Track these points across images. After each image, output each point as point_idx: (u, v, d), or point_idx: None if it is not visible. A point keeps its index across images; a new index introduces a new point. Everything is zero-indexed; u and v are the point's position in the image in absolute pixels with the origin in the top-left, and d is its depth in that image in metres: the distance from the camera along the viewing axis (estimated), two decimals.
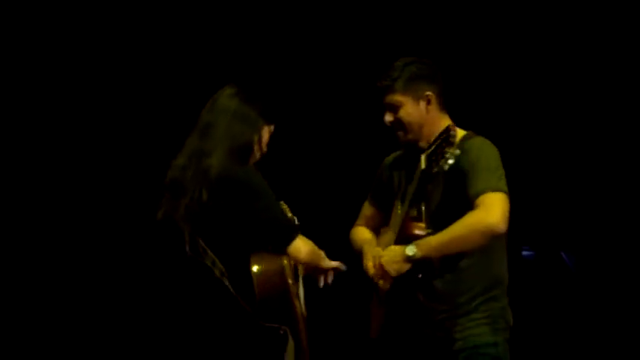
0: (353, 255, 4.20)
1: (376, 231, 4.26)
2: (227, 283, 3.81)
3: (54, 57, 5.85)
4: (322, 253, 3.97)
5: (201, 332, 3.87)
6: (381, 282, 3.98)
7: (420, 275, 3.93)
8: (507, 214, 3.85)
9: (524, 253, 5.44)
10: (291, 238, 3.84)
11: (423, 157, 3.85)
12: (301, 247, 3.85)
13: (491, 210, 3.83)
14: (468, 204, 3.87)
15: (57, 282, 5.84)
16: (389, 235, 4.10)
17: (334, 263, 4.00)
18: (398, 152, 4.24)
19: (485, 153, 3.93)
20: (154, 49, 5.91)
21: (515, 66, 5.89)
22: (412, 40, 5.69)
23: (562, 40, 5.86)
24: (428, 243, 3.88)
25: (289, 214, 3.98)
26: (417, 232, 3.93)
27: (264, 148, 3.96)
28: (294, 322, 3.85)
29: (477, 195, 3.85)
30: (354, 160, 5.83)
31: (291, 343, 3.87)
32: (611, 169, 5.85)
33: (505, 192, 3.88)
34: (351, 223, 4.36)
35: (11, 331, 5.78)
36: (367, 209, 4.33)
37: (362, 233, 4.29)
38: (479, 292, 3.97)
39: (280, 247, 3.83)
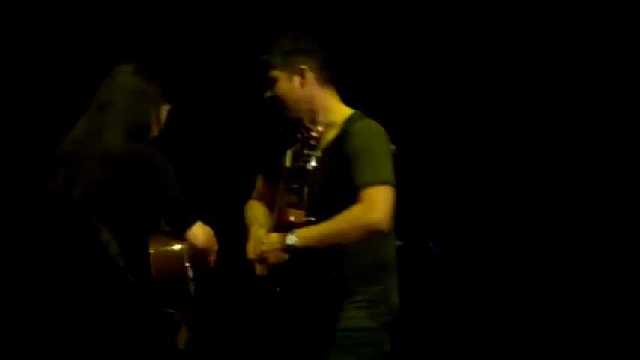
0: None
1: (270, 205, 4.12)
2: (121, 262, 3.78)
3: (53, 57, 5.84)
4: (215, 239, 3.93)
5: (91, 312, 3.80)
6: (258, 267, 3.92)
7: (278, 289, 3.89)
8: (391, 209, 3.79)
9: (397, 242, 5.61)
10: (190, 223, 3.82)
11: (288, 154, 3.82)
12: (199, 233, 3.83)
13: (375, 206, 3.75)
14: (351, 191, 3.78)
15: None
16: (273, 217, 4.01)
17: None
18: (284, 128, 4.06)
19: (373, 139, 3.82)
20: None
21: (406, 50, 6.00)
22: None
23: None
24: (308, 233, 3.79)
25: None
26: (294, 219, 3.84)
27: (162, 127, 3.92)
28: (188, 308, 3.84)
29: (362, 187, 3.76)
30: (248, 134, 5.78)
31: (183, 330, 3.87)
32: (480, 164, 6.06)
33: (391, 184, 3.79)
34: (247, 199, 4.25)
35: None
36: (258, 182, 4.20)
37: (254, 209, 4.14)
38: (357, 274, 3.87)
39: (179, 231, 3.81)
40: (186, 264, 3.82)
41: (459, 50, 6.04)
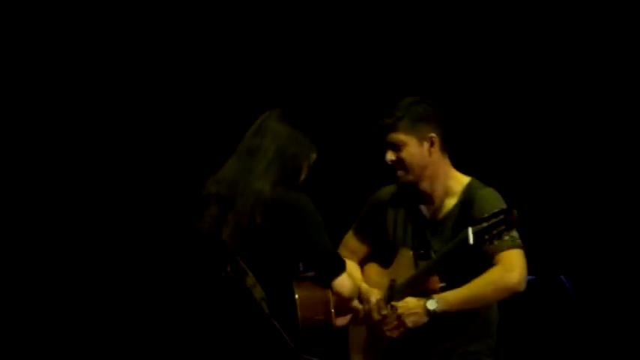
0: None
1: (361, 264, 4.23)
2: (266, 308, 3.76)
3: (53, 57, 5.92)
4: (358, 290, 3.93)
5: (234, 356, 3.81)
6: (389, 332, 3.96)
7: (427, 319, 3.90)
8: (526, 271, 3.90)
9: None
10: (339, 272, 3.80)
11: (470, 232, 3.77)
12: (346, 282, 3.81)
13: (513, 268, 3.86)
14: (481, 262, 3.88)
15: (85, 294, 5.92)
16: (385, 279, 4.10)
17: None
18: (391, 188, 4.18)
19: (501, 206, 3.87)
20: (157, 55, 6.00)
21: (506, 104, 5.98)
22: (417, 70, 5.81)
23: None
24: (449, 298, 3.89)
25: None
26: (436, 287, 3.92)
27: (307, 173, 3.93)
28: (333, 356, 3.83)
29: (499, 250, 3.86)
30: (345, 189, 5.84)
31: None
32: (608, 192, 5.94)
33: (523, 248, 3.91)
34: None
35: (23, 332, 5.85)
36: (352, 241, 4.25)
37: (350, 267, 4.12)
38: (471, 331, 4.01)
39: (326, 280, 3.79)
40: (332, 310, 3.81)
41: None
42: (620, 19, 5.78)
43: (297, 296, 3.76)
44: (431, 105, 4.07)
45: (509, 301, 4.33)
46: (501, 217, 3.75)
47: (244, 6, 6.02)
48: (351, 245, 4.26)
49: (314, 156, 3.92)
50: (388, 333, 3.96)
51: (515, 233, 3.81)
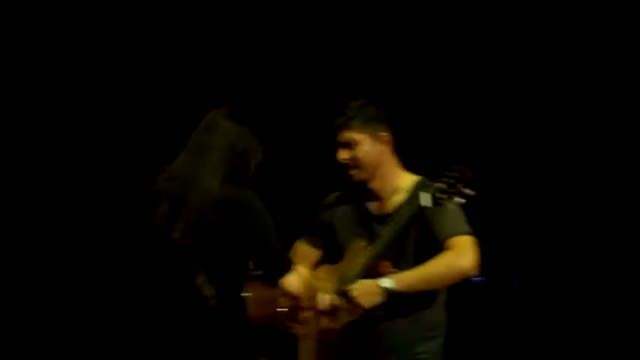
0: None
1: (310, 270, 4.22)
2: (215, 305, 3.74)
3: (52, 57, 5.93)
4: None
5: (182, 352, 3.78)
6: (342, 317, 3.98)
7: (383, 313, 3.94)
8: (479, 257, 3.93)
9: (475, 279, 5.58)
10: (286, 271, 3.80)
11: (428, 196, 3.81)
12: (293, 281, 3.81)
13: (466, 253, 3.91)
14: (431, 248, 3.92)
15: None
16: (335, 273, 4.11)
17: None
18: (337, 193, 4.24)
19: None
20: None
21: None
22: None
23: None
24: (403, 277, 3.91)
25: None
26: (388, 271, 3.92)
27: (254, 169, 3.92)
28: (284, 355, 3.86)
29: (449, 237, 3.91)
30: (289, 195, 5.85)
31: None
32: (556, 194, 6.02)
33: (474, 236, 3.95)
34: None
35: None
36: (304, 248, 4.28)
37: (299, 271, 4.07)
38: (421, 333, 4.05)
39: (274, 278, 3.79)
40: (280, 309, 3.85)
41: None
42: (618, 19, 5.83)
43: (246, 294, 3.77)
44: (380, 107, 4.13)
45: (459, 302, 4.42)
46: (456, 174, 3.78)
47: (189, 3, 6.03)
48: (303, 251, 4.29)
49: (261, 152, 3.93)
50: (340, 320, 3.98)
51: (472, 192, 3.79)
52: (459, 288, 4.20)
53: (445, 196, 3.80)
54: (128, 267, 5.64)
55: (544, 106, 6.02)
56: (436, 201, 3.81)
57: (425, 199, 3.82)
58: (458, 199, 3.80)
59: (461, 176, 3.78)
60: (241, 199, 3.78)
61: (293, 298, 3.86)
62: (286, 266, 3.82)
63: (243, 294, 3.77)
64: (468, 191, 3.77)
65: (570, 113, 6.00)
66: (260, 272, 3.86)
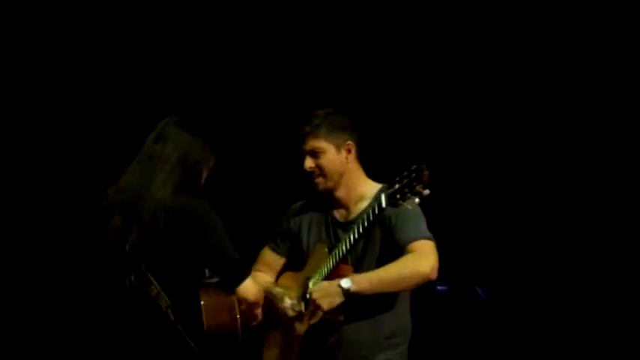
0: None
1: (275, 278, 4.29)
2: (171, 315, 3.74)
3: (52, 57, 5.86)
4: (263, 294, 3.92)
5: None
6: (304, 322, 4.02)
7: (342, 318, 3.96)
8: (438, 261, 3.94)
9: (439, 287, 5.55)
10: (243, 278, 3.78)
11: (383, 196, 3.82)
12: (250, 287, 3.80)
13: (426, 257, 3.93)
14: (392, 252, 3.94)
15: None
16: (299, 280, 4.15)
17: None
18: (302, 201, 4.29)
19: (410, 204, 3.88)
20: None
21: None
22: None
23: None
24: (362, 278, 3.92)
25: None
26: (349, 274, 3.94)
27: (208, 178, 3.91)
28: None
29: (410, 241, 3.93)
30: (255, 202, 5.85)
31: None
32: (523, 203, 5.98)
33: (434, 241, 3.98)
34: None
35: None
36: (269, 255, 4.32)
37: (263, 278, 4.22)
38: (382, 340, 4.06)
39: (230, 286, 3.77)
40: (238, 316, 3.80)
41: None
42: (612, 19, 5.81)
43: (202, 303, 3.75)
44: (346, 115, 4.16)
45: (424, 310, 4.40)
46: (412, 175, 3.77)
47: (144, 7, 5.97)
48: (267, 259, 4.33)
49: (213, 161, 3.92)
50: (308, 322, 4.00)
51: (427, 192, 3.75)
52: (423, 296, 4.26)
53: (401, 196, 3.79)
54: (81, 280, 5.56)
55: (511, 111, 6.01)
56: (393, 202, 3.81)
57: (382, 200, 3.82)
58: (414, 199, 3.78)
59: (417, 175, 3.76)
60: (192, 208, 3.77)
61: (250, 304, 3.83)
62: (242, 273, 3.80)
63: (199, 302, 3.75)
64: (424, 191, 3.75)
65: (538, 116, 5.98)
66: (216, 279, 3.84)
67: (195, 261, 3.78)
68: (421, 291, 4.07)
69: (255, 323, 3.94)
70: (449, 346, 5.92)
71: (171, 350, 3.75)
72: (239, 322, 3.79)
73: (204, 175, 3.89)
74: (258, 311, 3.91)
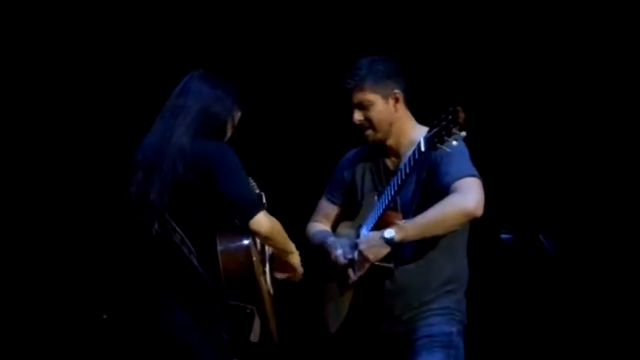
0: (308, 250, 4.21)
1: (332, 227, 4.32)
2: (195, 261, 3.81)
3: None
4: (286, 236, 3.94)
5: (169, 311, 3.85)
6: (355, 271, 4.02)
7: (393, 265, 3.96)
8: (483, 198, 3.91)
9: (503, 236, 5.46)
10: (254, 212, 3.79)
11: (422, 141, 3.81)
12: (263, 221, 3.80)
13: (469, 193, 3.89)
14: (439, 195, 3.92)
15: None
16: (353, 227, 4.17)
17: (296, 254, 4.00)
18: (354, 150, 4.29)
19: (456, 145, 3.85)
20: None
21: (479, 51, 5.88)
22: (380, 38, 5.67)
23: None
24: (405, 225, 3.92)
25: (256, 190, 3.98)
26: (395, 220, 3.95)
27: (235, 133, 3.96)
28: (259, 301, 3.87)
29: (454, 180, 3.91)
30: (308, 156, 5.83)
31: (257, 322, 3.90)
32: (590, 153, 5.86)
33: (480, 178, 3.94)
34: (305, 221, 4.38)
35: None
36: (325, 206, 4.35)
37: (320, 228, 4.32)
38: (438, 287, 4.05)
39: (242, 221, 3.79)
40: (254, 258, 3.83)
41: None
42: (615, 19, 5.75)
43: (219, 248, 3.80)
44: (390, 61, 4.12)
45: (487, 259, 4.31)
46: (449, 117, 3.73)
47: None
48: (324, 209, 4.36)
49: (238, 114, 3.97)
50: (352, 273, 4.00)
51: (463, 133, 3.73)
52: (485, 244, 4.31)
53: (439, 139, 3.75)
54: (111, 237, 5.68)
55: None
56: (431, 146, 3.78)
57: (422, 145, 3.81)
58: (452, 141, 3.74)
59: (453, 118, 3.72)
60: (209, 150, 3.83)
61: (264, 238, 3.87)
62: (255, 207, 3.81)
63: (218, 247, 3.81)
64: (461, 133, 3.73)
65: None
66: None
67: (211, 201, 3.81)
68: (484, 239, 4.10)
69: (291, 276, 4.03)
70: (510, 298, 5.85)
71: (195, 296, 3.81)
72: (255, 264, 3.82)
73: (229, 127, 3.95)
74: (292, 263, 3.96)
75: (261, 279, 3.89)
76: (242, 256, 3.81)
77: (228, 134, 3.95)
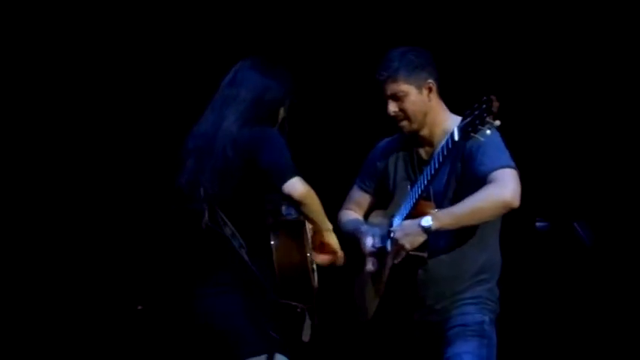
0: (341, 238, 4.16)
1: (364, 216, 4.33)
2: (245, 256, 3.78)
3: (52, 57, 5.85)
4: (321, 208, 3.89)
5: (218, 308, 3.83)
6: (388, 260, 4.02)
7: (426, 254, 3.96)
8: (520, 189, 3.92)
9: (539, 224, 5.42)
10: (289, 175, 3.75)
11: (456, 130, 3.80)
12: (298, 184, 3.75)
13: (506, 185, 3.90)
14: (474, 185, 3.93)
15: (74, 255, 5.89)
16: (385, 216, 4.17)
17: (333, 233, 3.94)
18: (388, 139, 4.30)
19: (492, 135, 3.86)
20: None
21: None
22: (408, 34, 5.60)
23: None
24: (442, 214, 3.93)
25: None
26: (429, 210, 3.95)
27: (285, 122, 3.96)
28: (311, 300, 3.84)
29: (490, 171, 3.91)
30: (340, 146, 5.83)
31: (308, 321, 3.86)
32: (626, 141, 5.84)
33: (516, 169, 3.95)
34: (338, 208, 4.36)
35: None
36: (357, 194, 4.36)
37: (353, 216, 4.33)
38: (471, 276, 4.07)
39: (279, 185, 3.75)
40: (308, 254, 3.82)
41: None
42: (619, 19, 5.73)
43: (272, 243, 3.78)
44: (422, 52, 4.13)
45: (521, 247, 4.26)
46: (483, 106, 3.71)
47: None
48: (356, 198, 4.37)
49: (288, 103, 3.97)
50: (393, 261, 3.99)
51: (497, 122, 3.72)
52: (519, 233, 4.30)
53: (472, 128, 3.74)
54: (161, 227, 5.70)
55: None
56: (465, 135, 3.77)
57: (455, 134, 3.80)
58: (486, 130, 3.73)
59: (487, 107, 3.70)
60: (256, 132, 3.83)
61: (296, 202, 3.77)
62: (289, 171, 3.77)
63: (271, 242, 3.79)
64: (495, 122, 3.71)
65: None
66: (291, 217, 3.86)
67: (261, 188, 3.80)
68: (519, 227, 4.11)
69: (333, 258, 3.96)
70: (545, 286, 5.83)
71: (245, 289, 3.78)
72: (309, 261, 3.80)
73: (281, 114, 3.95)
74: (331, 243, 3.90)
75: (312, 275, 3.85)
76: (296, 253, 3.80)
77: (278, 122, 3.95)
